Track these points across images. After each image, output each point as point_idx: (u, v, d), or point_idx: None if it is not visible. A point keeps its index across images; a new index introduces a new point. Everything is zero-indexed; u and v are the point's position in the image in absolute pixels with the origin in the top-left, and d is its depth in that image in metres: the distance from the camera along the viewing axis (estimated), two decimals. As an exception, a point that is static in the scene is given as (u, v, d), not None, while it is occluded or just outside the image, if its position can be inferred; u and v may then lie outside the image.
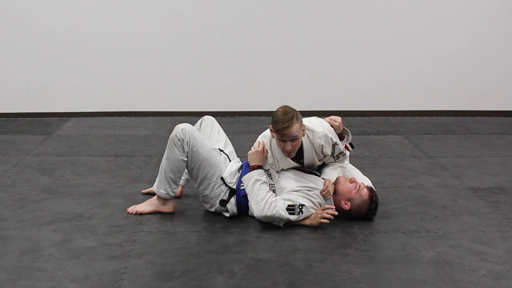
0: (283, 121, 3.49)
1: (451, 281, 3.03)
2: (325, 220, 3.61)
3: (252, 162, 3.70)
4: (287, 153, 3.63)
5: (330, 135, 3.69)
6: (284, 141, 3.55)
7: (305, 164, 3.79)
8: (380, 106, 6.62)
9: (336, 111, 5.89)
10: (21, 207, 3.97)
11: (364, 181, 3.91)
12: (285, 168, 3.79)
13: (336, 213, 3.64)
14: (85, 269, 3.14)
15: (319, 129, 3.67)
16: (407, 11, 6.44)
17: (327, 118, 3.80)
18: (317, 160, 3.78)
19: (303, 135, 3.61)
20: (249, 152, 3.74)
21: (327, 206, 3.67)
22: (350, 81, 6.56)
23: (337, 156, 3.78)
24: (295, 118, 3.50)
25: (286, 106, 3.59)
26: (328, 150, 3.70)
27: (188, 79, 6.54)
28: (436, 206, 4.02)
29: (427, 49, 6.50)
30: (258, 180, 3.63)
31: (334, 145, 3.71)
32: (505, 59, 6.54)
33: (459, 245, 3.44)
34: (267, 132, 3.76)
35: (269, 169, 3.73)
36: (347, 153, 3.88)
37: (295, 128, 3.50)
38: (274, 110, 3.64)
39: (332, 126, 3.75)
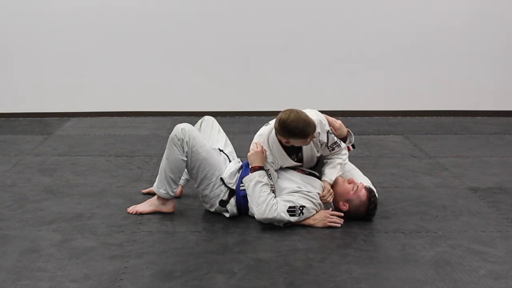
0: (309, 126, 3.47)
1: (451, 281, 3.03)
2: (336, 224, 3.63)
3: (253, 164, 3.68)
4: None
5: (324, 122, 3.69)
6: (306, 141, 3.57)
7: (304, 159, 3.77)
8: (380, 106, 6.62)
9: (336, 111, 5.91)
10: (21, 207, 3.97)
11: (364, 181, 3.90)
12: (284, 166, 3.78)
13: (342, 220, 3.67)
14: (85, 269, 3.14)
15: (313, 117, 3.63)
16: (407, 11, 6.44)
17: (330, 118, 3.80)
18: (316, 151, 3.76)
19: None
20: (249, 154, 3.72)
21: (336, 213, 3.68)
22: (350, 81, 6.56)
23: (331, 147, 3.75)
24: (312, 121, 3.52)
25: (294, 112, 3.51)
26: (324, 138, 3.68)
27: (188, 79, 6.54)
28: (436, 206, 4.02)
29: (427, 49, 6.50)
30: (259, 181, 3.62)
31: (328, 132, 3.70)
32: (505, 59, 6.54)
33: (459, 245, 3.44)
34: (263, 131, 3.73)
35: (269, 169, 3.72)
36: (343, 144, 3.84)
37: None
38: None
39: (332, 127, 3.76)
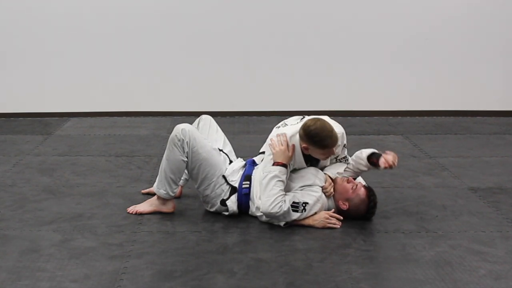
0: (332, 137, 3.50)
1: (451, 281, 3.03)
2: (334, 226, 3.63)
3: (277, 159, 3.64)
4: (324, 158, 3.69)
5: (344, 135, 3.74)
6: (324, 154, 3.59)
7: (318, 166, 3.80)
8: (380, 106, 6.62)
9: (337, 111, 5.91)
10: (21, 207, 3.97)
11: (362, 181, 3.92)
12: (298, 168, 3.79)
13: (340, 222, 3.67)
14: (85, 269, 3.14)
15: (336, 129, 3.66)
16: (407, 11, 6.44)
17: (387, 158, 3.67)
18: (328, 161, 3.81)
19: None
20: (276, 150, 3.65)
21: (335, 215, 3.68)
22: (350, 81, 6.55)
23: (339, 160, 3.82)
24: (336, 135, 3.54)
25: (322, 121, 3.54)
26: (339, 150, 3.72)
27: (188, 79, 6.54)
28: (436, 206, 4.02)
29: (427, 49, 6.50)
30: (277, 176, 3.60)
31: (344, 146, 3.75)
32: (505, 59, 6.54)
33: (459, 245, 3.44)
34: (285, 130, 3.71)
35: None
36: (349, 158, 3.88)
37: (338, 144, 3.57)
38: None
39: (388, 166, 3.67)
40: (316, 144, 3.52)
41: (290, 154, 3.66)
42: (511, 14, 6.46)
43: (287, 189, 3.69)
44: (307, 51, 6.48)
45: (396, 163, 3.67)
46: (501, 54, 6.53)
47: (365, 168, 3.78)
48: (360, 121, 6.37)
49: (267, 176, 3.62)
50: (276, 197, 3.57)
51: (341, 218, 3.68)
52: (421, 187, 4.38)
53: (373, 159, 3.72)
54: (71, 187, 4.37)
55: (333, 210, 3.73)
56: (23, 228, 3.65)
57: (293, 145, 3.67)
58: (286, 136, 3.68)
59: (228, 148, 4.09)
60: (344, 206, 3.69)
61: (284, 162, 3.64)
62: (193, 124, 4.11)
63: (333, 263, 3.22)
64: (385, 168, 3.66)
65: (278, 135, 3.70)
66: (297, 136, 3.64)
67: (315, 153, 3.62)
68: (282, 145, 3.66)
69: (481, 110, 6.60)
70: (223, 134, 4.16)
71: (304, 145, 3.60)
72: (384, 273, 3.13)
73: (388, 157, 3.66)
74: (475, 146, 5.49)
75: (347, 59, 6.52)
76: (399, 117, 6.59)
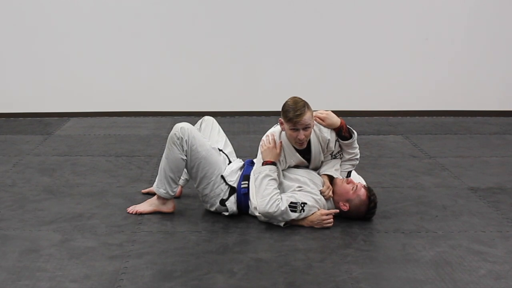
0: (295, 109, 3.51)
1: (451, 281, 3.03)
2: (330, 224, 3.64)
3: (265, 158, 3.68)
4: (299, 144, 3.64)
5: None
6: (297, 130, 3.56)
7: (312, 160, 3.79)
8: (380, 106, 6.62)
9: (336, 111, 5.88)
10: (21, 207, 3.97)
11: (361, 181, 3.92)
12: (292, 164, 3.80)
13: (337, 211, 3.69)
14: (85, 269, 3.14)
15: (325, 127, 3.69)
16: (407, 11, 6.44)
17: (317, 113, 3.74)
18: (323, 156, 3.79)
19: (313, 126, 3.63)
20: (263, 148, 3.71)
21: (329, 211, 3.68)
22: (350, 81, 6.56)
23: (334, 156, 3.80)
24: (306, 107, 3.54)
25: (295, 97, 3.62)
26: (332, 145, 3.73)
27: (188, 79, 6.54)
28: (436, 206, 4.02)
29: (427, 49, 6.50)
30: (268, 175, 3.62)
31: (337, 141, 3.73)
32: (505, 59, 6.54)
33: (459, 245, 3.44)
34: (274, 129, 3.76)
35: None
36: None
37: (307, 116, 3.53)
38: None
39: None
40: (283, 115, 3.57)
41: (278, 151, 3.69)
42: (511, 14, 6.46)
43: (283, 190, 3.70)
44: (307, 51, 6.48)
45: (323, 115, 3.70)
46: (501, 54, 6.53)
47: (343, 146, 3.77)
48: (360, 121, 6.37)
49: (258, 177, 3.64)
50: (271, 196, 3.58)
51: (337, 211, 3.68)
52: (421, 187, 4.38)
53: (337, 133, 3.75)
54: (71, 187, 4.37)
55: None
56: (23, 228, 3.65)
57: (281, 142, 3.70)
58: (273, 135, 3.70)
59: (229, 149, 4.09)
60: (345, 207, 3.69)
61: (273, 159, 3.67)
62: (195, 125, 4.11)
63: (333, 263, 3.22)
64: (320, 121, 3.68)
65: (266, 136, 3.74)
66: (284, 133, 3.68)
67: (287, 130, 3.61)
68: (270, 143, 3.68)
69: (481, 110, 6.61)
70: (224, 135, 4.16)
71: (282, 126, 3.64)
72: (384, 273, 3.13)
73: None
74: (475, 146, 5.49)
75: (347, 59, 6.51)
76: (399, 117, 6.59)
